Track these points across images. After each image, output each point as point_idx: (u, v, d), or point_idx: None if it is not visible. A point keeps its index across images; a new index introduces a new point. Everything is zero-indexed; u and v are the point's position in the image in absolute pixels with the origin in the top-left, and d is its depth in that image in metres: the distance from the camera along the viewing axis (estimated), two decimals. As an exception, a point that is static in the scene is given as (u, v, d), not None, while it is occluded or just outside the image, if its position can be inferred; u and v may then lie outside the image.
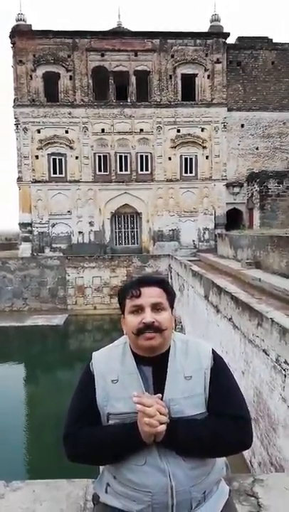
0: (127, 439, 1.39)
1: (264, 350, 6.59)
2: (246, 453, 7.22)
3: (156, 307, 1.48)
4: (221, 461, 1.55)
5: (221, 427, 1.41)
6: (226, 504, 1.49)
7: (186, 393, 1.45)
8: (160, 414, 1.35)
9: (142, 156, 25.20)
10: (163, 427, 1.35)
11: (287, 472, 5.37)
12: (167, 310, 1.50)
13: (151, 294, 1.49)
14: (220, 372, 1.51)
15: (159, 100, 24.93)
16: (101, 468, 1.59)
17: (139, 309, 1.48)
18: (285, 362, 5.70)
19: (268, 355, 6.38)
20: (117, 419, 1.44)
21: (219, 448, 1.43)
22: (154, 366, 1.49)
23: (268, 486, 1.87)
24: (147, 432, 1.35)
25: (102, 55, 24.45)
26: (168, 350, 1.52)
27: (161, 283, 1.55)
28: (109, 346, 1.60)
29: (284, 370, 5.75)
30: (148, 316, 1.45)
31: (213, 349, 1.56)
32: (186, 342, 1.56)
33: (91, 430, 1.45)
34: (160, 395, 1.40)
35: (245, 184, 25.41)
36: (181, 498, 1.39)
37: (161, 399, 1.39)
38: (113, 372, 1.48)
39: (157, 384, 1.46)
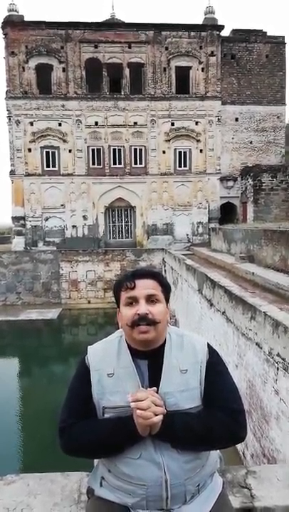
0: (122, 432, 1.40)
1: (257, 344, 6.64)
2: (239, 445, 7.30)
3: (150, 299, 1.48)
4: (214, 454, 1.57)
5: (215, 420, 1.42)
6: (220, 496, 1.51)
7: (182, 387, 1.45)
8: (156, 405, 1.35)
9: (135, 150, 25.08)
10: (159, 418, 1.35)
11: (279, 464, 5.45)
12: (162, 302, 1.51)
13: (145, 286, 1.49)
14: (215, 366, 1.51)
15: (153, 93, 24.78)
16: (95, 461, 1.60)
17: (133, 301, 1.48)
18: (278, 355, 5.75)
19: (261, 349, 6.43)
20: (113, 412, 1.45)
21: (214, 441, 1.44)
22: (149, 360, 1.49)
23: (260, 478, 1.89)
24: (141, 423, 1.35)
25: (96, 47, 24.20)
26: (163, 344, 1.52)
27: (156, 275, 1.55)
28: (105, 340, 1.60)
29: (277, 363, 5.80)
30: (142, 308, 1.46)
31: (208, 343, 1.57)
32: (182, 336, 1.57)
33: (86, 424, 1.45)
34: (155, 388, 1.41)
35: (239, 178, 25.43)
36: (176, 490, 1.40)
37: (157, 392, 1.40)
38: (109, 366, 1.49)
39: (153, 377, 1.46)
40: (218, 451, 1.60)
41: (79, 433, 1.44)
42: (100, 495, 1.50)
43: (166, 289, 1.55)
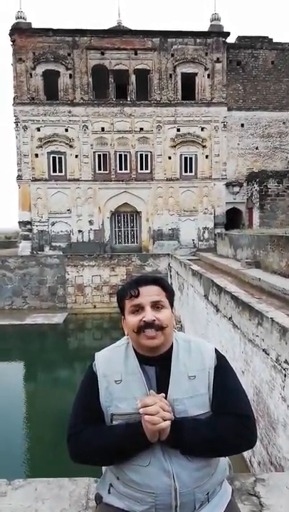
0: (131, 439, 1.39)
1: (264, 350, 6.59)
2: (246, 452, 7.23)
3: (156, 305, 1.48)
4: (224, 462, 1.55)
5: (225, 426, 1.41)
6: (229, 504, 1.50)
7: (190, 393, 1.45)
8: (164, 411, 1.35)
9: (141, 155, 25.17)
10: (167, 423, 1.35)
11: (287, 471, 5.38)
12: (167, 308, 1.51)
13: (149, 293, 1.49)
14: (223, 372, 1.51)
15: (159, 99, 24.90)
16: (104, 468, 1.59)
17: (139, 308, 1.48)
18: (285, 361, 5.70)
19: (268, 355, 6.39)
20: (121, 419, 1.44)
21: (223, 447, 1.43)
22: (157, 366, 1.49)
23: (269, 486, 1.87)
24: (150, 429, 1.35)
25: (102, 54, 24.40)
26: (171, 350, 1.52)
27: (159, 281, 1.55)
28: (112, 347, 1.60)
29: (284, 369, 5.76)
30: (148, 314, 1.46)
31: (215, 348, 1.56)
32: (189, 342, 1.56)
33: (95, 431, 1.45)
34: (164, 394, 1.41)
35: (244, 184, 25.41)
36: (185, 499, 1.39)
37: (165, 399, 1.40)
38: (116, 373, 1.48)
39: (161, 384, 1.46)
40: (227, 458, 1.59)
41: (87, 440, 1.44)
42: (108, 502, 1.49)
43: (170, 294, 1.55)
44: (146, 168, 25.22)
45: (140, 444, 1.39)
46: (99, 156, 24.94)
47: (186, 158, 25.40)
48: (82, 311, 22.46)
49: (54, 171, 24.75)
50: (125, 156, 25.04)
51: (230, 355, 8.52)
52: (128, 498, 1.44)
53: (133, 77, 24.58)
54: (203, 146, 25.24)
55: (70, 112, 24.51)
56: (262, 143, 26.22)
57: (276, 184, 22.41)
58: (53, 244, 24.89)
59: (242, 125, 26.01)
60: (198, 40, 24.78)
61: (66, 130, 24.60)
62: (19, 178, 24.61)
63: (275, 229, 17.99)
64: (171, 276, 21.25)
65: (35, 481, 1.93)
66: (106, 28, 25.80)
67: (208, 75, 24.99)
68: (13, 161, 30.81)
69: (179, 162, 25.33)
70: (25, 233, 24.90)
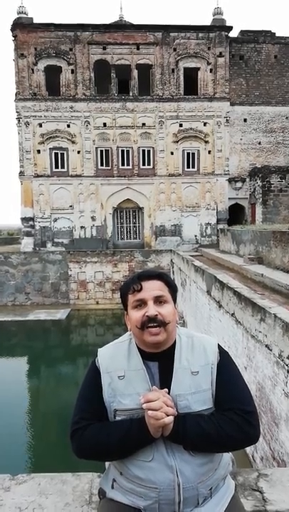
0: (134, 434, 1.39)
1: (267, 346, 6.59)
2: (249, 448, 7.25)
3: (158, 300, 1.48)
4: (227, 457, 1.56)
5: (227, 421, 1.41)
6: (232, 499, 1.50)
7: (193, 388, 1.45)
8: (167, 406, 1.35)
9: (143, 151, 25.10)
10: (170, 419, 1.35)
11: (289, 466, 5.39)
12: (170, 303, 1.50)
13: (152, 288, 1.49)
14: (226, 367, 1.51)
15: (161, 94, 24.79)
16: (107, 463, 1.59)
17: (141, 303, 1.48)
18: (288, 357, 5.70)
19: (271, 351, 6.38)
20: (124, 415, 1.45)
21: (226, 442, 1.43)
22: (160, 362, 1.49)
23: (272, 481, 1.87)
24: (153, 424, 1.35)
25: (104, 49, 24.28)
26: (174, 346, 1.51)
27: (162, 276, 1.55)
28: (114, 342, 1.60)
29: (287, 365, 5.75)
30: (151, 309, 1.45)
31: (219, 344, 1.56)
32: (192, 337, 1.56)
33: (98, 427, 1.45)
34: (166, 389, 1.41)
35: (247, 179, 25.30)
36: (188, 494, 1.39)
37: (168, 394, 1.40)
38: (119, 369, 1.48)
39: (164, 379, 1.46)
40: (230, 453, 1.59)
41: (91, 436, 1.44)
42: (111, 497, 1.50)
43: (173, 289, 1.55)
44: (149, 164, 25.15)
45: (143, 439, 1.39)
46: (101, 151, 24.89)
47: (188, 153, 25.31)
48: (84, 307, 22.51)
49: (56, 167, 24.72)
50: (127, 151, 24.98)
51: (233, 351, 8.52)
52: (131, 493, 1.44)
53: (135, 72, 24.46)
54: (206, 142, 25.13)
55: (72, 107, 24.44)
56: (265, 138, 26.08)
57: (279, 179, 22.30)
58: (56, 240, 24.92)
59: (245, 120, 25.87)
60: (200, 35, 24.60)
61: (68, 126, 24.55)
62: (21, 174, 24.61)
63: (278, 225, 17.93)
64: (173, 272, 21.25)
65: (38, 476, 1.93)
66: (108, 22, 25.66)
67: (211, 70, 24.84)
68: (15, 158, 30.88)
69: (182, 157, 25.24)
70: (28, 229, 24.93)
